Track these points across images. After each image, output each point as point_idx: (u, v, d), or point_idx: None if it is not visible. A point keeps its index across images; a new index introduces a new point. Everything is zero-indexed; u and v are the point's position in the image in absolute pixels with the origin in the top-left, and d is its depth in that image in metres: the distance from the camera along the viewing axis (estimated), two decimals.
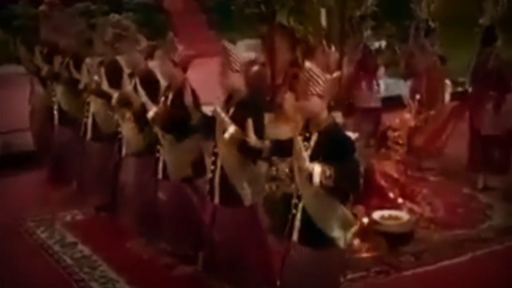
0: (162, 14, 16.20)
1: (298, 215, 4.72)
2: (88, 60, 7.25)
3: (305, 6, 7.34)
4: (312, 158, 4.49)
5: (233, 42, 16.19)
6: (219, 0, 16.68)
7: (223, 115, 5.21)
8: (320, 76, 4.59)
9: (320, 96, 4.56)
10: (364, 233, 6.45)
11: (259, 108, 5.41)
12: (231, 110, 5.33)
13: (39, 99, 8.63)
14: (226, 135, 5.13)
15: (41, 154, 8.64)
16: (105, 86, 6.68)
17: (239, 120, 5.11)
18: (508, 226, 7.10)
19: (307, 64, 4.74)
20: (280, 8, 7.34)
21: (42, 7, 10.83)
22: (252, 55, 5.43)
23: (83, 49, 7.58)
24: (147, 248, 6.50)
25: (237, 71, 5.32)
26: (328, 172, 4.40)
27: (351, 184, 4.63)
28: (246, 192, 5.38)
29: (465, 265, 6.38)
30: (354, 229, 5.00)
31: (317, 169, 4.42)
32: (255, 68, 8.08)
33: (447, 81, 9.29)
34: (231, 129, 5.12)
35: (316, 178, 4.41)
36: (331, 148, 4.53)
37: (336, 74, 4.71)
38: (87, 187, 7.55)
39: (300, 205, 4.70)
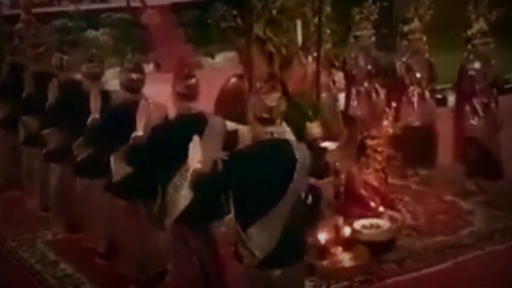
0: (140, 29, 16.20)
1: None
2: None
3: (282, 17, 7.35)
4: None
5: (211, 55, 16.19)
6: (196, 14, 16.74)
7: None
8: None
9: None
10: (346, 242, 6.46)
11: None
12: None
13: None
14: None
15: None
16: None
17: None
18: (489, 232, 7.14)
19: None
20: (256, 20, 7.35)
21: (18, 25, 10.80)
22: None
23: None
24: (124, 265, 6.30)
25: None
26: None
27: None
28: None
29: (447, 271, 6.41)
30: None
31: None
32: (233, 80, 8.10)
33: None
34: None
35: None
36: None
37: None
38: (54, 207, 7.43)
39: None
